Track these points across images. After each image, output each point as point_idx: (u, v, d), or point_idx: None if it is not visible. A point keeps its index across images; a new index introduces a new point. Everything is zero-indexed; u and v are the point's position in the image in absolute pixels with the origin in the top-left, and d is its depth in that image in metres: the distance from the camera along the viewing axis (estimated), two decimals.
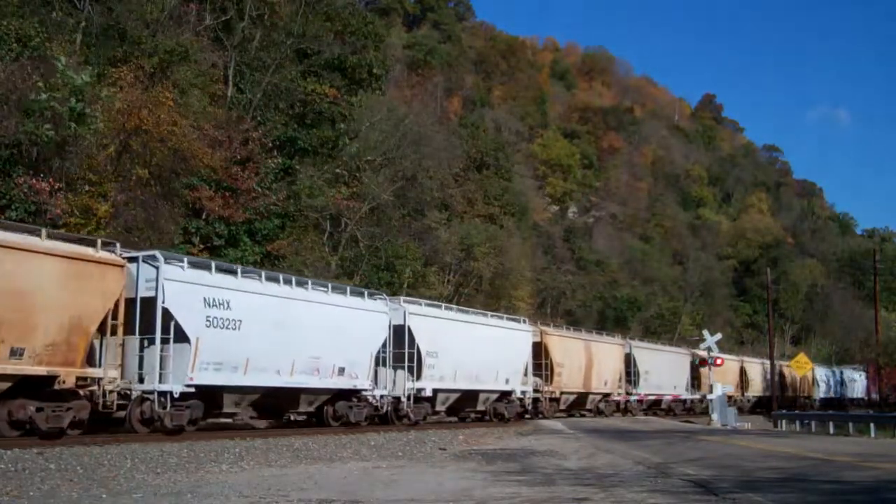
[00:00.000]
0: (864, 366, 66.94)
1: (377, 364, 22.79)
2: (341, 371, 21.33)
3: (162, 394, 16.80)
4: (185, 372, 16.98)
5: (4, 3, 25.70)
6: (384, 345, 22.99)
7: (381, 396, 22.91)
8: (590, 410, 36.92)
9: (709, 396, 37.49)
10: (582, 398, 35.67)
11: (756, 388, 54.08)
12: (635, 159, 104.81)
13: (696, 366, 45.16)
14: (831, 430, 30.57)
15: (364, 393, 22.39)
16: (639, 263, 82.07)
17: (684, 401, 45.57)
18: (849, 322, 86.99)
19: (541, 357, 31.68)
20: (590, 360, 35.45)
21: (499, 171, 59.70)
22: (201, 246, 28.73)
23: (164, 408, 16.79)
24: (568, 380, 33.52)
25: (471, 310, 29.67)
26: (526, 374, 30.01)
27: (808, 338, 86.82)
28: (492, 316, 29.85)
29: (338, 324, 21.22)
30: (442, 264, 47.47)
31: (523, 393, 29.59)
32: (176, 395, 16.88)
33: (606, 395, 37.50)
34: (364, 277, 38.21)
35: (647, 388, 40.80)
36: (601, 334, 40.61)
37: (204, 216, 29.55)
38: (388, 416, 23.71)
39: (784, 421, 36.34)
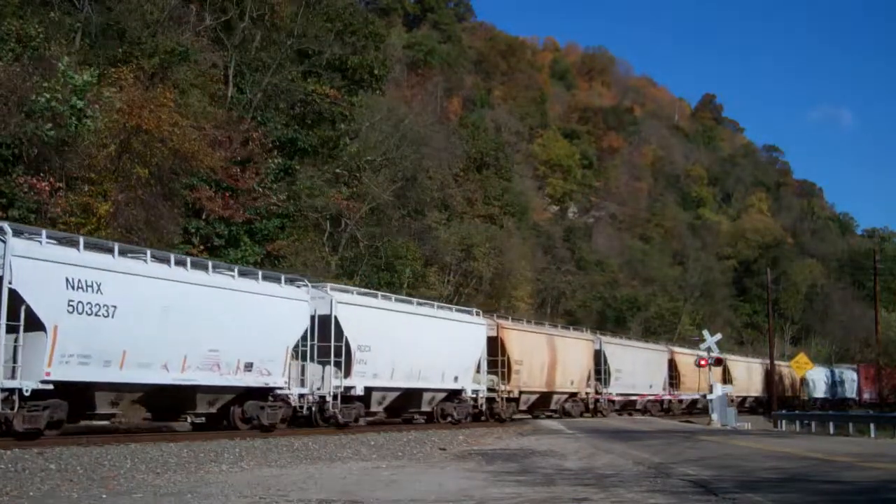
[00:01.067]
0: (856, 365, 66.10)
1: (301, 359, 20.48)
2: (248, 367, 18.56)
3: (8, 391, 14.12)
4: (41, 366, 14.39)
5: (4, 2, 25.69)
6: (305, 337, 20.41)
7: (302, 396, 20.47)
8: (554, 411, 33.90)
9: (709, 396, 37.43)
10: (545, 398, 32.65)
11: (741, 387, 51.57)
12: (635, 159, 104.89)
13: (673, 363, 43.92)
14: (831, 431, 30.58)
15: (280, 392, 19.73)
16: (639, 263, 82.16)
17: (661, 401, 43.18)
18: (849, 322, 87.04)
19: (497, 353, 28.67)
20: (554, 356, 32.31)
21: (499, 171, 59.76)
22: (201, 246, 28.72)
23: (13, 408, 14.13)
24: (528, 378, 30.50)
25: (414, 300, 26.44)
26: (479, 372, 27.41)
27: (808, 338, 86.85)
28: (439, 307, 27.01)
29: (244, 313, 18.41)
30: (442, 264, 47.52)
31: (475, 392, 26.95)
32: (27, 393, 14.23)
33: (573, 394, 34.40)
34: (364, 277, 38.23)
35: (620, 387, 38.06)
36: (567, 328, 36.86)
37: (204, 216, 29.55)
38: (312, 418, 21.31)
39: (784, 421, 36.35)
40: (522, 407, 31.11)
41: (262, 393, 19.45)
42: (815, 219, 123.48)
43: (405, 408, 25.51)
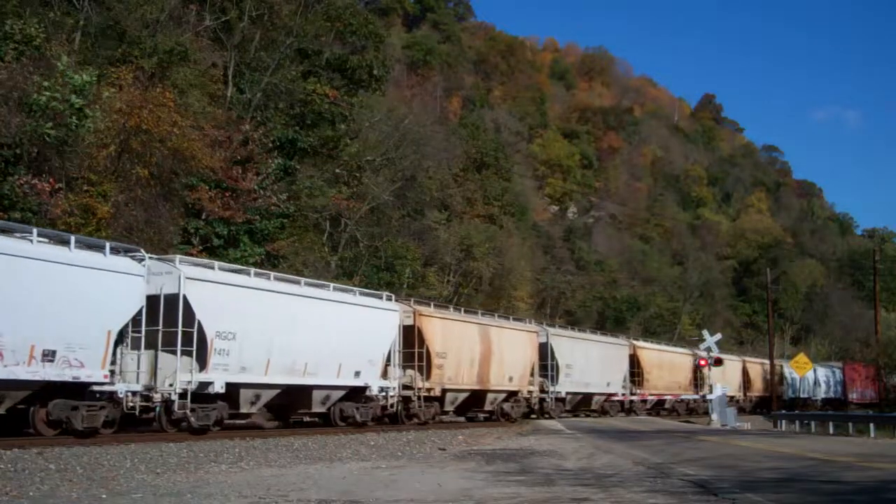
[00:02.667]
0: (841, 364, 63.70)
1: (136, 347, 16.66)
2: (48, 356, 14.75)
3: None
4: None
5: (3, 2, 25.69)
6: (138, 320, 16.48)
7: (134, 393, 16.52)
8: (490, 412, 29.66)
9: (708, 396, 37.44)
10: (477, 397, 28.43)
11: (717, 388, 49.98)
12: (635, 159, 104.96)
13: (636, 360, 40.19)
14: (831, 431, 30.59)
15: (97, 387, 15.77)
16: (639, 263, 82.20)
17: (621, 401, 39.03)
18: (849, 322, 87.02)
19: (415, 344, 24.44)
20: (488, 349, 28.15)
21: (499, 171, 59.77)
22: (200, 246, 28.72)
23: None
24: (454, 374, 26.27)
25: (302, 279, 21.89)
26: (390, 366, 23.34)
27: (808, 338, 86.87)
28: (336, 288, 22.49)
29: (51, 289, 14.78)
30: (442, 264, 47.53)
31: (384, 390, 22.94)
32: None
33: (513, 393, 30.12)
34: (364, 278, 38.24)
35: (571, 384, 34.03)
36: (507, 318, 32.15)
37: (204, 216, 29.55)
38: (157, 419, 17.62)
39: (784, 421, 36.36)
40: (448, 407, 27.20)
41: (73, 390, 15.48)
42: (815, 219, 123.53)
43: (292, 408, 21.76)
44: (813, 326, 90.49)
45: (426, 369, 24.76)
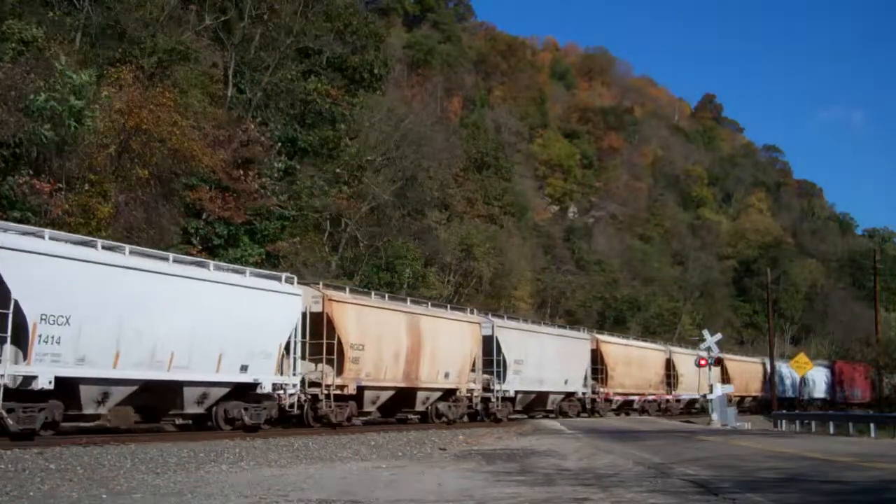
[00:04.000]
0: (829, 362, 61.22)
1: None
2: None
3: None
4: None
5: (3, 2, 25.70)
6: None
7: None
8: (421, 413, 26.25)
9: (708, 396, 37.38)
10: (405, 395, 24.85)
11: (688, 386, 43.63)
12: (635, 159, 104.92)
13: (598, 354, 36.56)
14: (831, 430, 30.59)
15: None
16: (639, 263, 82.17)
17: (582, 400, 35.26)
18: (849, 322, 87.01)
19: (324, 334, 21.02)
20: (417, 341, 24.54)
21: (499, 171, 59.80)
22: (200, 246, 28.72)
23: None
24: (374, 369, 22.73)
25: (171, 255, 18.38)
26: (288, 360, 20.06)
27: (808, 338, 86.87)
28: (217, 267, 18.93)
29: None
30: (442, 264, 47.53)
31: (280, 387, 19.75)
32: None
33: (450, 391, 26.53)
34: (364, 277, 38.25)
35: (521, 382, 30.15)
36: (444, 307, 28.32)
37: (204, 216, 29.55)
38: None
39: (784, 421, 36.37)
40: (369, 407, 23.67)
41: None
42: (815, 219, 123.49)
43: (161, 408, 18.28)
44: (813, 326, 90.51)
45: (338, 363, 21.29)
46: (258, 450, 15.37)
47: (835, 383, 59.40)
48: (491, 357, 28.70)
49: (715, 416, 35.27)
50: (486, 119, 75.19)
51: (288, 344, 20.03)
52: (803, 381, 55.43)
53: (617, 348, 39.02)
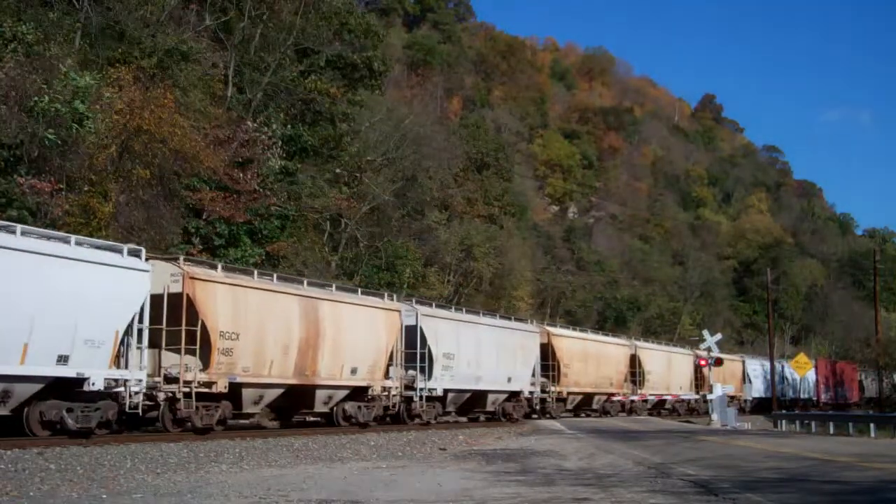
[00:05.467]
0: (814, 361, 56.29)
1: None
2: None
3: None
4: None
5: (3, 3, 25.69)
6: None
7: None
8: (324, 415, 22.71)
9: (709, 396, 37.37)
10: (300, 395, 20.95)
11: (655, 385, 40.84)
12: (635, 159, 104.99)
13: (548, 348, 32.47)
14: (831, 431, 30.60)
15: None
16: (639, 263, 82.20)
17: (530, 398, 30.92)
18: (849, 322, 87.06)
19: (184, 321, 17.45)
20: (315, 330, 20.72)
21: (499, 171, 59.77)
22: (201, 246, 28.73)
23: None
24: (254, 363, 19.03)
25: None
26: (125, 349, 16.36)
27: (808, 338, 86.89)
28: (25, 234, 15.01)
29: None
30: (442, 264, 47.53)
31: (113, 383, 15.99)
32: None
33: (360, 389, 22.40)
34: (364, 277, 38.25)
35: (451, 379, 25.87)
36: (354, 293, 23.67)
37: (204, 216, 29.56)
38: None
39: (784, 421, 36.39)
40: (250, 409, 20.03)
41: None
42: (815, 219, 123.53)
43: None
44: (813, 326, 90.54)
45: (204, 355, 17.87)
46: (258, 450, 15.38)
47: (819, 383, 56.31)
48: (415, 350, 24.42)
49: (715, 417, 35.28)
50: (486, 119, 75.19)
51: (131, 330, 16.32)
52: (784, 379, 53.74)
53: (572, 342, 34.96)
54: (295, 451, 15.78)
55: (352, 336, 21.96)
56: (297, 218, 34.88)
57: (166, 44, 29.86)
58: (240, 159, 30.73)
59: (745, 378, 51.10)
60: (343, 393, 22.24)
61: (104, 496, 9.40)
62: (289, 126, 34.96)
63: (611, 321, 65.96)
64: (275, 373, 19.68)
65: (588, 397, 35.97)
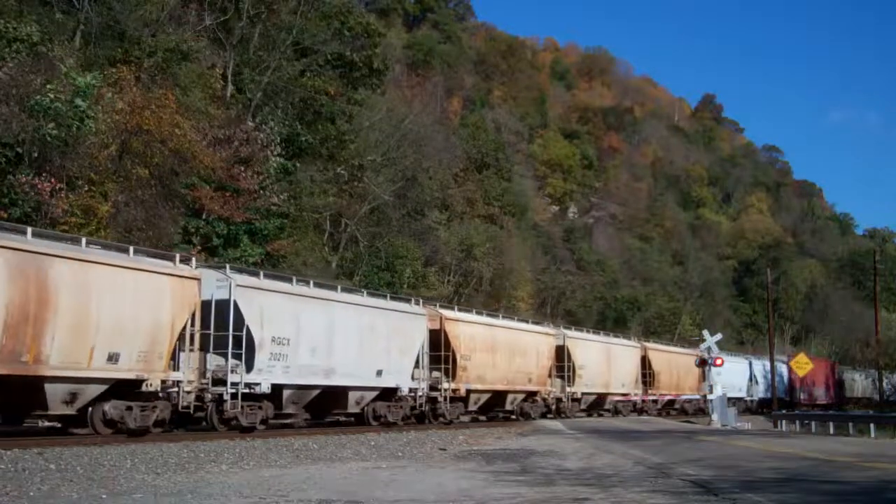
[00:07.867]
0: (787, 359, 52.46)
1: None
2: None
3: None
4: None
5: (3, 3, 25.70)
6: None
7: None
8: (69, 415, 16.18)
9: (709, 396, 37.33)
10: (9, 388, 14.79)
11: (592, 381, 35.28)
12: (635, 159, 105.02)
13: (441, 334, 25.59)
14: (831, 431, 30.60)
15: None
16: (639, 263, 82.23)
17: (412, 397, 24.46)
18: (849, 322, 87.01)
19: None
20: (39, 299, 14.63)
21: (499, 171, 59.81)
22: (200, 246, 28.72)
23: None
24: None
25: None
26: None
27: (808, 338, 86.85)
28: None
29: None
30: (442, 264, 47.56)
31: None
32: None
33: (124, 382, 16.19)
34: (364, 277, 38.25)
35: (283, 372, 19.69)
36: (124, 253, 16.92)
37: (204, 216, 29.55)
38: None
39: (784, 421, 36.39)
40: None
41: None
42: (815, 219, 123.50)
43: None
44: (813, 326, 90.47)
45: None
46: (258, 450, 15.36)
47: (791, 381, 53.05)
48: (226, 333, 18.21)
49: (715, 417, 35.26)
50: (486, 119, 75.18)
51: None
52: (751, 378, 51.56)
53: (474, 328, 27.78)
54: (295, 451, 15.77)
55: (111, 311, 15.78)
56: (297, 218, 34.89)
57: (166, 44, 29.85)
58: (239, 158, 30.74)
59: (751, 378, 51.21)
60: (97, 388, 15.88)
61: (104, 496, 9.39)
62: (288, 125, 34.96)
63: (611, 321, 65.95)
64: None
65: (498, 395, 29.21)
